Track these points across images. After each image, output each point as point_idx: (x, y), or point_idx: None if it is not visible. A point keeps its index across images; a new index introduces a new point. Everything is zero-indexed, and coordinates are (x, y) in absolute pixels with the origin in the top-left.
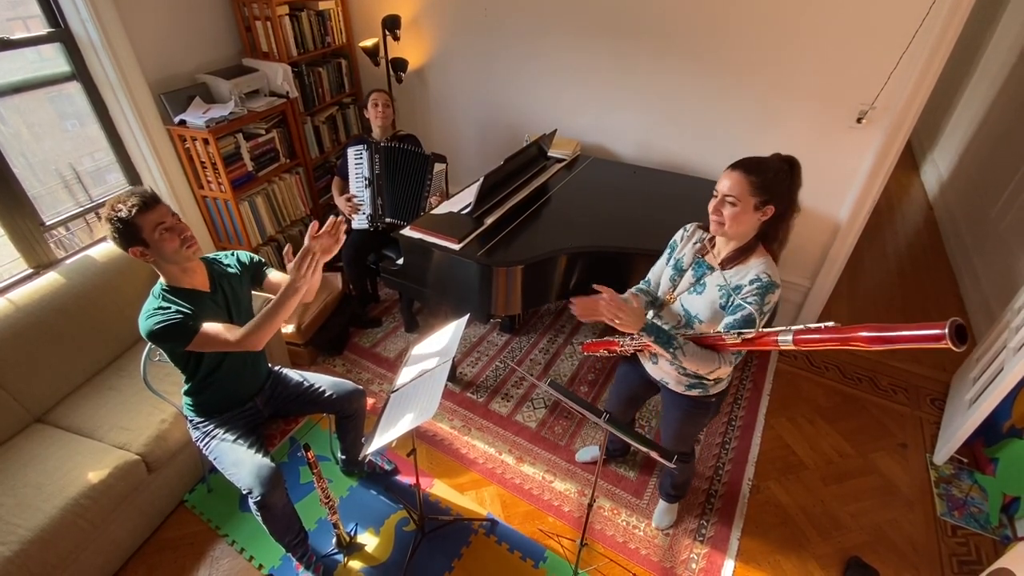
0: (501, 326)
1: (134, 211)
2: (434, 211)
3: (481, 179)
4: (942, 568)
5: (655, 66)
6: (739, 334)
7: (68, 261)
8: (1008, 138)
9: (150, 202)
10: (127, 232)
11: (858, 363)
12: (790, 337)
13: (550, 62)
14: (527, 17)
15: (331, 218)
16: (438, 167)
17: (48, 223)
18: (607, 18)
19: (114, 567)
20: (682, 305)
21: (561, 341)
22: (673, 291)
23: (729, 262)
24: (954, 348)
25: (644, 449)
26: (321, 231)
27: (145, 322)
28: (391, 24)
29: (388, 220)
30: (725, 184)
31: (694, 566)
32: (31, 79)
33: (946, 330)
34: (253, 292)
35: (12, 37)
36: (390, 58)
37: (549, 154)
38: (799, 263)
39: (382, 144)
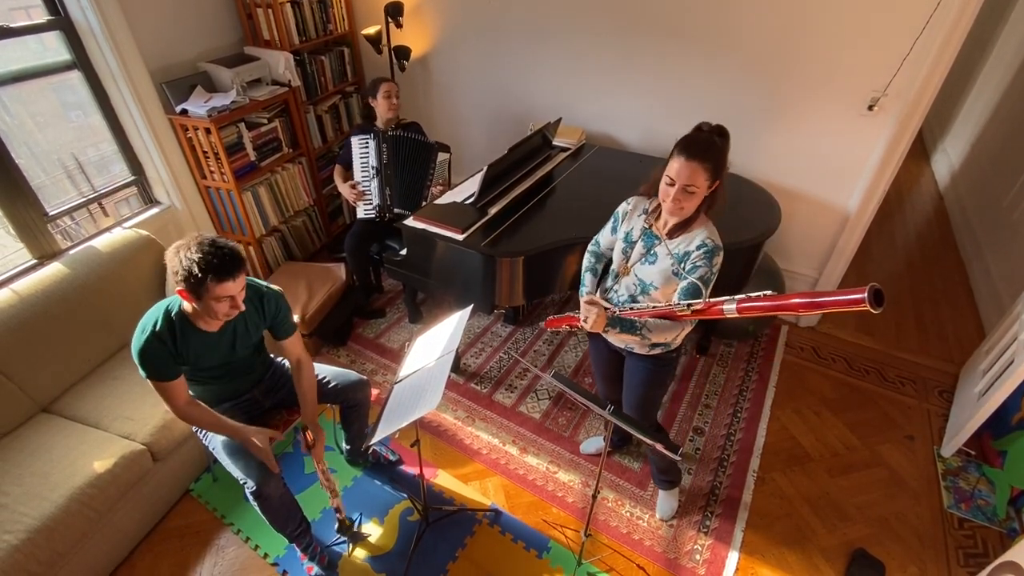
0: (505, 317)
1: (211, 277)
2: (437, 201)
3: (485, 168)
4: (948, 561)
5: (661, 54)
6: (688, 305)
7: (72, 251)
8: (1022, 127)
9: (232, 270)
10: (192, 283)
11: (865, 355)
12: (733, 305)
13: (555, 50)
14: (532, 4)
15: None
16: (442, 156)
17: (51, 213)
18: (613, 5)
19: (120, 556)
20: (636, 275)
21: (564, 333)
22: (627, 263)
23: (675, 231)
24: (872, 310)
25: (648, 441)
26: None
27: (138, 338)
28: (394, 11)
29: (397, 211)
30: (684, 174)
31: (698, 557)
32: (31, 68)
33: (865, 295)
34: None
35: (12, 25)
36: (393, 46)
37: (554, 143)
38: (807, 253)
39: (389, 133)
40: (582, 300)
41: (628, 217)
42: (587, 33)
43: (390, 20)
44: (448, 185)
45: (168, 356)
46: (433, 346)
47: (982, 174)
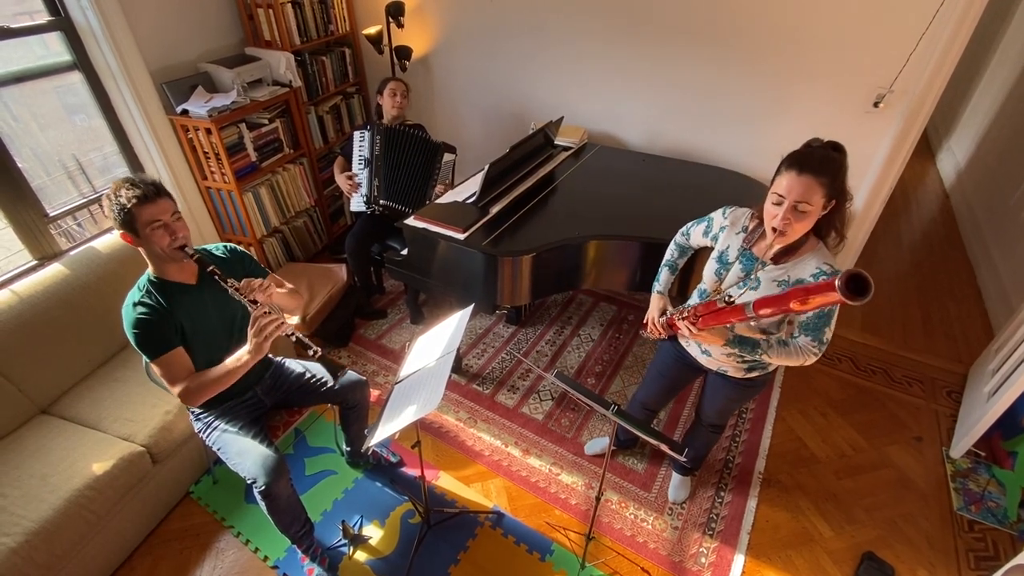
0: (507, 317)
1: (132, 202)
2: (438, 200)
3: (486, 167)
4: (958, 564)
5: (665, 52)
6: (728, 298)
7: (72, 252)
8: None
9: (151, 195)
10: (123, 218)
11: (872, 355)
12: (751, 302)
13: (557, 48)
14: (533, 3)
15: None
16: (448, 157)
17: (51, 214)
18: (615, 2)
19: (120, 558)
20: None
21: (568, 332)
22: (720, 284)
23: (782, 256)
24: (849, 302)
25: (654, 442)
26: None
27: (127, 314)
28: (395, 11)
29: (383, 202)
30: (796, 190)
31: (703, 560)
32: (31, 69)
33: (836, 284)
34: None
35: (12, 26)
36: (394, 46)
37: (556, 142)
38: None
39: (383, 126)
40: (653, 297)
41: (726, 232)
42: (589, 31)
43: (391, 20)
44: (451, 186)
45: (160, 318)
46: (433, 346)
47: (989, 173)
